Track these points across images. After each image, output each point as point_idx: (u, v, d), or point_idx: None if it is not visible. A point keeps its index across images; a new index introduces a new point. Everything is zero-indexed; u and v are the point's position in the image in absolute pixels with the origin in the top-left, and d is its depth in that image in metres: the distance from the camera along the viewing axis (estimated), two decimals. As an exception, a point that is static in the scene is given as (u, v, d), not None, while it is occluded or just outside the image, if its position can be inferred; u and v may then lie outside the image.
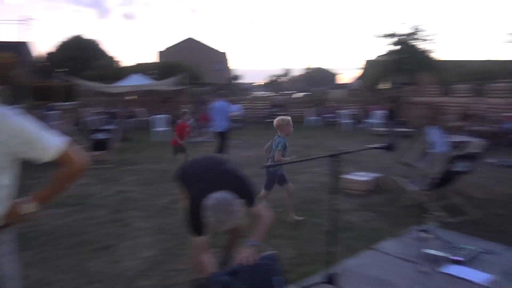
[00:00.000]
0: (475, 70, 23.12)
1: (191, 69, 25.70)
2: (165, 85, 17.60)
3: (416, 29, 22.03)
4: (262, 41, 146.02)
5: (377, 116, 15.43)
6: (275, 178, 4.89)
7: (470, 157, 5.21)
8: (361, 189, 5.96)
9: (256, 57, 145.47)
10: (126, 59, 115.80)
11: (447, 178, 5.08)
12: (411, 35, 22.15)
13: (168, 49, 47.41)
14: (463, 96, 15.38)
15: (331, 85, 47.18)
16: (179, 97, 18.21)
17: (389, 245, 3.91)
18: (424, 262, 3.43)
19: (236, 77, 51.22)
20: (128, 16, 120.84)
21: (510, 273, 3.26)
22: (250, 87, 49.38)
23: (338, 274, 2.94)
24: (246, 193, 2.68)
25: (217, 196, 2.41)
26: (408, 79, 21.10)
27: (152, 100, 19.56)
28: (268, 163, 4.85)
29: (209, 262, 2.58)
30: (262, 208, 2.72)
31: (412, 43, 22.19)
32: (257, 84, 59.36)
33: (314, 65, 72.05)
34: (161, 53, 47.02)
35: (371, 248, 3.84)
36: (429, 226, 3.95)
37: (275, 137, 4.85)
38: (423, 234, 3.87)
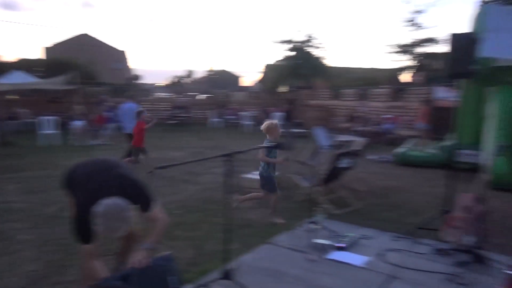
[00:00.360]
0: (360, 77, 25.74)
1: (84, 67, 23.87)
2: (53, 84, 16.03)
3: (310, 36, 23.70)
4: (164, 41, 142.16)
5: (276, 118, 16.20)
6: (272, 179, 4.98)
7: (353, 154, 5.80)
8: (258, 187, 6.20)
9: (158, 57, 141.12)
10: (6, 54, 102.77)
11: (334, 174, 5.58)
12: (305, 42, 23.73)
13: (57, 45, 43.40)
14: (350, 100, 16.98)
15: (234, 87, 48.05)
16: (70, 97, 16.79)
17: (283, 238, 4.16)
18: (312, 251, 3.74)
19: (136, 77, 48.99)
20: (9, 6, 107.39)
21: (383, 254, 3.73)
22: (151, 88, 47.75)
23: (234, 269, 3.05)
24: (141, 198, 2.62)
25: (107, 203, 2.30)
26: (304, 83, 22.58)
27: (37, 100, 17.73)
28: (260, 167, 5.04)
29: (100, 268, 2.46)
30: (157, 211, 2.69)
31: (307, 50, 23.79)
32: (159, 85, 57.63)
33: (218, 67, 72.61)
34: (47, 49, 42.77)
35: (266, 242, 4.05)
36: (318, 218, 4.30)
37: (265, 141, 5.00)
38: (313, 226, 4.22)
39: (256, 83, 42.79)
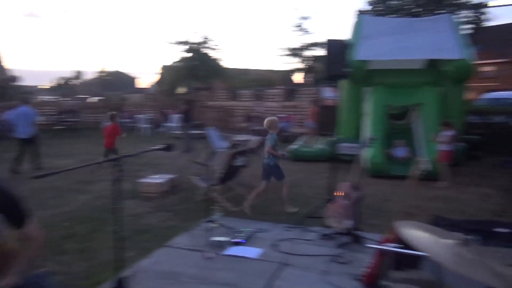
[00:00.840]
0: (256, 78, 26.73)
1: None
2: None
3: (206, 38, 23.85)
4: (46, 39, 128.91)
5: (174, 120, 15.96)
6: (270, 168, 5.46)
7: (248, 152, 6.05)
8: (157, 191, 6.10)
9: (41, 56, 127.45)
10: None
11: (230, 173, 5.75)
12: (202, 43, 23.79)
13: None
14: (247, 100, 17.55)
15: (129, 89, 45.84)
16: None
17: (181, 240, 4.16)
18: (210, 249, 3.82)
19: (14, 79, 43.59)
20: None
21: (276, 245, 3.98)
22: (33, 91, 42.93)
23: (129, 277, 2.97)
24: (13, 212, 2.38)
25: None
26: (202, 85, 22.64)
27: None
28: (265, 157, 5.50)
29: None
30: (33, 229, 2.46)
31: (204, 51, 23.88)
32: (42, 87, 52.09)
33: (111, 68, 68.45)
34: None
35: (164, 246, 4.00)
36: (215, 216, 4.40)
37: (268, 135, 5.52)
38: (211, 225, 4.30)
39: (153, 85, 41.43)
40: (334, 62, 4.44)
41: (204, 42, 23.82)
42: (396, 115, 9.67)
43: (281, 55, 31.73)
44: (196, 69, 22.85)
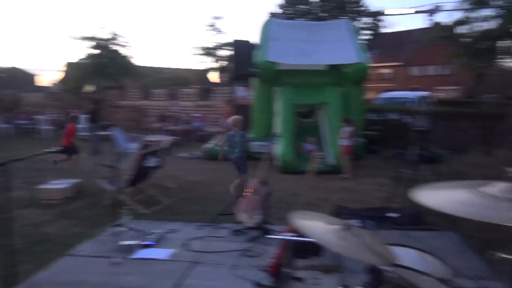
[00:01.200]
0: (170, 76, 26.15)
1: None
2: None
3: (115, 34, 22.66)
4: None
5: (81, 121, 14.89)
6: (241, 160, 5.73)
7: (160, 153, 5.92)
8: (59, 197, 5.67)
9: None
10: None
11: (141, 174, 5.57)
12: (110, 40, 22.56)
13: None
14: (160, 100, 17.08)
15: (28, 87, 41.55)
16: None
17: (85, 247, 3.93)
18: (117, 254, 3.68)
19: None
20: None
21: (187, 244, 3.98)
22: None
23: (22, 291, 2.74)
24: None
25: None
26: (112, 83, 21.47)
27: None
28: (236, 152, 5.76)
29: None
30: None
31: (113, 48, 22.66)
32: None
33: (7, 64, 61.32)
34: None
35: (66, 254, 3.75)
36: (124, 220, 4.24)
37: (233, 132, 5.91)
38: (119, 229, 4.14)
39: (55, 83, 38.12)
40: (241, 63, 4.56)
41: (113, 39, 22.63)
42: (304, 113, 10.22)
43: (195, 54, 31.45)
44: (105, 67, 21.60)
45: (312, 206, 5.65)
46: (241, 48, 4.68)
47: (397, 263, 1.65)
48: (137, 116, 16.32)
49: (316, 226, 1.84)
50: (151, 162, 5.66)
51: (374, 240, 1.82)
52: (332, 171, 7.76)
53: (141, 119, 16.00)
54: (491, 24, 9.75)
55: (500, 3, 8.80)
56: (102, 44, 22.26)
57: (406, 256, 1.89)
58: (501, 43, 9.98)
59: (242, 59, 4.66)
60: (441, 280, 1.62)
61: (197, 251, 3.77)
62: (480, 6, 9.11)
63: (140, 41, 67.42)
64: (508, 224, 1.03)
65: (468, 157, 6.27)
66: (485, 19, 9.85)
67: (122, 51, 23.12)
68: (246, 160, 5.92)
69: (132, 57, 23.71)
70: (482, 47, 9.95)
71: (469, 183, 1.32)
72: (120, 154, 6.79)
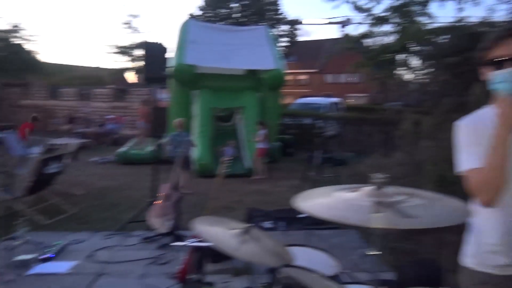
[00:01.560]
0: (82, 75, 24.47)
1: None
2: None
3: (17, 26, 20.56)
4: None
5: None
6: (186, 159, 6.00)
7: (63, 157, 5.51)
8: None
9: None
10: None
11: (42, 181, 5.13)
12: (11, 32, 20.41)
13: None
14: (70, 100, 15.90)
15: None
16: None
17: (-30, 265, 3.51)
18: (11, 271, 3.34)
19: None
20: None
21: (92, 255, 3.76)
22: None
23: None
24: None
25: None
26: (13, 80, 19.41)
27: None
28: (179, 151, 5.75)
29: None
30: None
31: (14, 42, 20.55)
32: None
33: None
34: None
35: None
36: (20, 232, 3.86)
37: (177, 132, 6.45)
38: (13, 242, 3.76)
39: None
40: (152, 65, 4.44)
41: (15, 31, 20.51)
42: (223, 117, 10.29)
43: (110, 53, 29.93)
44: (4, 62, 19.48)
45: (227, 209, 5.72)
46: (152, 50, 4.55)
47: (291, 263, 1.75)
48: (43, 117, 14.98)
49: (216, 231, 1.87)
50: (53, 167, 5.24)
51: (273, 241, 1.90)
52: (248, 174, 7.93)
53: (47, 120, 14.72)
54: (390, 39, 10.90)
55: (398, 20, 9.82)
56: (1, 37, 20.06)
57: (301, 255, 2.00)
58: (399, 57, 11.14)
59: (153, 62, 4.54)
60: (328, 277, 1.75)
61: (102, 262, 3.58)
62: (381, 22, 10.06)
63: (48, 36, 62.05)
64: (363, 225, 1.16)
65: (370, 160, 6.85)
66: (386, 34, 11.02)
67: (26, 45, 21.09)
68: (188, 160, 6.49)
69: (37, 53, 21.76)
70: (383, 59, 11.02)
71: (342, 187, 1.45)
72: (19, 159, 6.18)
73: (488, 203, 1.25)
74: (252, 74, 9.80)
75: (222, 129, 9.63)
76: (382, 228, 1.18)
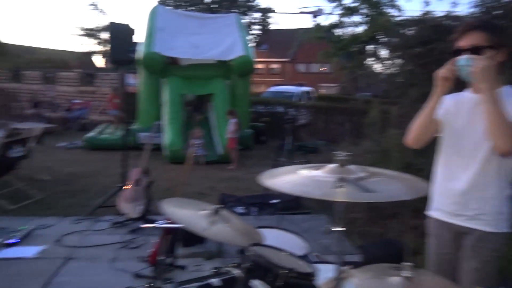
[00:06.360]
0: (47, 58, 23.47)
1: None
2: None
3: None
4: None
5: None
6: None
7: (27, 141, 5.35)
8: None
9: None
10: None
11: (5, 165, 4.97)
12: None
13: None
14: (34, 83, 15.27)
15: None
16: None
17: None
18: (-27, 256, 3.25)
19: None
20: None
21: (60, 240, 3.71)
22: None
23: None
24: None
25: None
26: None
27: None
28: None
29: None
30: None
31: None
32: None
33: None
34: None
35: None
36: (-17, 217, 3.76)
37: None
38: (-24, 228, 3.65)
39: None
40: (118, 47, 4.32)
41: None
42: (194, 104, 10.21)
43: (75, 35, 28.82)
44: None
45: (200, 195, 5.73)
46: (118, 32, 4.42)
47: (260, 243, 1.81)
48: (4, 101, 14.32)
49: (186, 213, 1.90)
50: (17, 151, 5.08)
51: (242, 222, 1.96)
52: (220, 161, 7.96)
53: (8, 104, 14.09)
54: (360, 29, 11.15)
55: (366, 11, 10.03)
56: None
57: (272, 236, 2.08)
58: (368, 47, 11.40)
59: (119, 43, 4.41)
60: (297, 256, 1.83)
61: (71, 246, 3.54)
62: (351, 12, 10.26)
63: (9, 16, 58.86)
64: (327, 199, 1.23)
65: (340, 148, 7.04)
66: (356, 24, 11.24)
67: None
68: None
69: (-2, 33, 20.62)
70: (353, 49, 11.24)
71: (308, 166, 1.53)
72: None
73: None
74: (222, 61, 9.75)
75: (192, 117, 9.57)
76: (344, 202, 1.26)
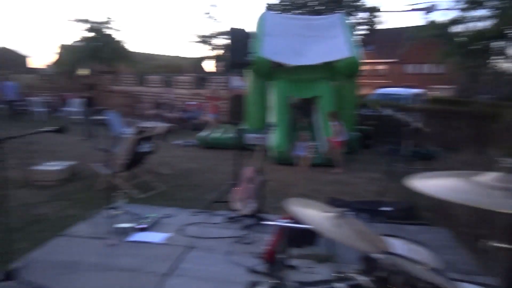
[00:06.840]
0: (165, 64, 25.94)
1: None
2: None
3: (109, 18, 22.37)
4: None
5: (75, 104, 14.77)
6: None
7: (154, 138, 5.92)
8: (53, 179, 5.66)
9: None
10: None
11: (135, 159, 5.57)
12: (104, 23, 22.26)
13: None
14: (155, 86, 16.97)
15: (19, 69, 40.87)
16: None
17: (80, 228, 3.96)
18: (113, 236, 3.70)
19: None
20: None
21: (182, 229, 4.02)
22: None
23: (18, 269, 2.75)
24: None
25: None
26: (105, 67, 21.24)
27: None
28: None
29: None
30: None
31: (107, 32, 22.39)
32: None
33: (-4, 44, 60.02)
34: None
35: (60, 235, 3.77)
36: (119, 203, 4.27)
37: None
38: (114, 212, 4.16)
39: (49, 65, 37.57)
40: (237, 51, 4.53)
41: (107, 22, 22.32)
42: (300, 107, 10.24)
43: (190, 42, 31.32)
44: (99, 51, 21.34)
45: (306, 197, 5.70)
46: (237, 36, 4.64)
47: (390, 251, 1.70)
48: (131, 102, 16.21)
49: (311, 213, 1.88)
50: (145, 147, 5.66)
51: (367, 229, 1.87)
52: (325, 164, 7.84)
53: (134, 105, 15.89)
54: (486, 24, 9.82)
55: (495, 3, 8.85)
56: (96, 28, 21.95)
57: (399, 246, 1.94)
58: (495, 44, 10.07)
59: (238, 47, 4.63)
60: (434, 270, 1.68)
61: (192, 237, 3.81)
62: (475, 6, 9.15)
63: (134, 26, 66.63)
64: (499, 211, 1.08)
65: (460, 155, 6.36)
66: (480, 19, 9.94)
67: (116, 35, 22.87)
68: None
69: (125, 42, 23.49)
70: (476, 47, 10.03)
71: (461, 173, 1.37)
72: (114, 138, 6.77)
73: None
74: (327, 63, 9.59)
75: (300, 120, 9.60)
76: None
